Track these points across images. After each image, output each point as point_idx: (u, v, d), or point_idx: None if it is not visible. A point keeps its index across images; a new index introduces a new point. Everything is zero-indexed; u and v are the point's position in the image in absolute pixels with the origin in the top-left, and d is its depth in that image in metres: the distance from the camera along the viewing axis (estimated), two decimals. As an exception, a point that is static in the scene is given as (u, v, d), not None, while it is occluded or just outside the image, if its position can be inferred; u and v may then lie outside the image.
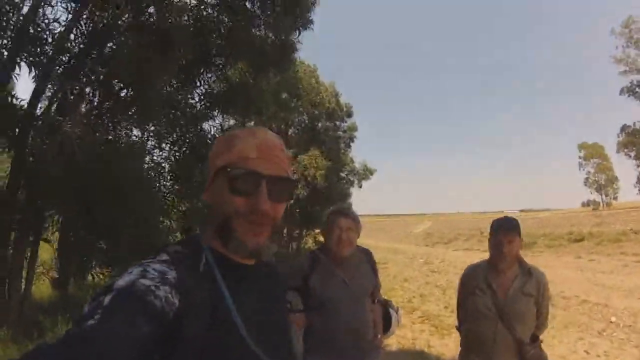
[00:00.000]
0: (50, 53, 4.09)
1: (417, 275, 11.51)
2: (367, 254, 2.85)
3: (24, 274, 4.24)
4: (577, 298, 7.99)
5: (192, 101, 6.17)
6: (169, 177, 6.04)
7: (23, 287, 4.27)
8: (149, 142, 5.94)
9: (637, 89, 29.69)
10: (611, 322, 6.45)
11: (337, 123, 16.38)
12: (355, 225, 2.59)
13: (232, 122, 10.77)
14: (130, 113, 4.96)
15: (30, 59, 3.87)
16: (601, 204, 51.10)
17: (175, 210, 5.94)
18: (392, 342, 6.15)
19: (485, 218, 31.02)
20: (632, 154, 33.64)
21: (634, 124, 32.30)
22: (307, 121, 14.49)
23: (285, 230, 15.23)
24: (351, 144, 17.66)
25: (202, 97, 6.15)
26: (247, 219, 0.91)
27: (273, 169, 0.94)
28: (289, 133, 14.46)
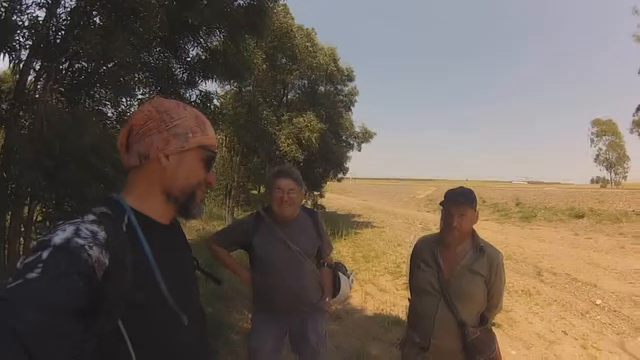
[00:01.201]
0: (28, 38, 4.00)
1: (412, 240, 11.36)
2: (312, 215, 2.77)
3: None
4: (567, 276, 7.85)
5: (176, 70, 5.99)
6: None
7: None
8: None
9: None
10: (596, 304, 6.30)
11: (338, 87, 16.09)
12: (296, 185, 2.55)
13: (216, 88, 10.63)
14: (99, 86, 4.84)
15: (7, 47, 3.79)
16: (610, 182, 50.70)
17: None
18: (371, 306, 6.15)
19: (490, 187, 30.86)
20: None
21: None
22: (307, 85, 14.18)
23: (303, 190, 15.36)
24: (352, 108, 17.38)
25: (182, 66, 5.96)
26: (201, 189, 1.16)
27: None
28: (289, 97, 14.26)
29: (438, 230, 2.37)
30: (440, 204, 2.29)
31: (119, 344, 0.89)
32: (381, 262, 9.35)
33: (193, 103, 6.03)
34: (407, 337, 2.46)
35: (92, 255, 0.82)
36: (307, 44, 12.36)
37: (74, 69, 4.66)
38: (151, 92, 5.80)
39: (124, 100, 5.47)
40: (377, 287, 7.30)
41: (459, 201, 2.19)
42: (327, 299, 2.73)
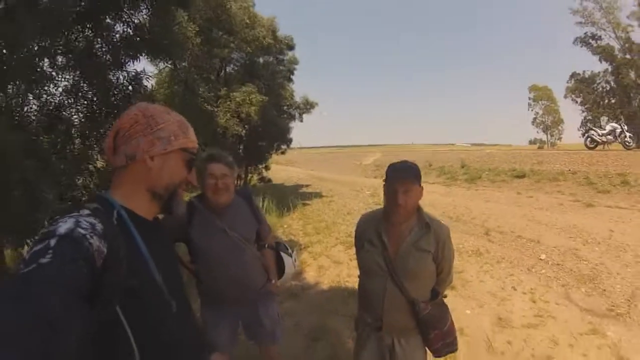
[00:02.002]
0: None
1: (361, 208, 11.38)
2: (247, 198, 2.79)
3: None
4: (512, 233, 8.05)
5: (99, 52, 5.54)
6: (77, 135, 5.46)
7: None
8: (59, 100, 5.32)
9: (590, 40, 32.58)
10: (540, 259, 6.51)
11: (278, 57, 15.83)
12: (230, 170, 2.49)
13: (149, 67, 10.10)
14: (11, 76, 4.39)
15: None
16: (547, 144, 53.21)
17: (89, 169, 5.46)
18: (326, 279, 6.13)
19: (435, 150, 31.51)
20: (579, 99, 35.44)
21: (583, 72, 35.24)
22: (245, 57, 13.79)
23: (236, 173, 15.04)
24: (292, 77, 17.19)
25: (107, 46, 5.51)
26: (182, 188, 1.26)
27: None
28: (227, 70, 13.86)
29: (382, 206, 2.28)
30: (383, 179, 2.17)
31: (118, 330, 0.97)
32: (332, 233, 9.31)
33: (122, 87, 5.67)
34: (359, 318, 2.38)
35: (93, 244, 0.89)
36: (244, 16, 11.91)
37: None
38: (75, 77, 5.39)
39: (46, 89, 5.06)
40: (331, 259, 7.27)
41: (403, 177, 2.08)
42: (274, 281, 2.66)
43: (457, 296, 5.23)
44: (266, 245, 2.73)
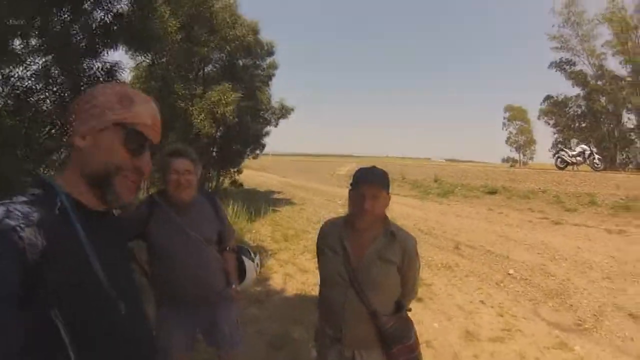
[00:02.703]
0: None
1: (332, 218, 11.35)
2: (211, 199, 2.67)
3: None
4: (482, 248, 8.11)
5: (75, 37, 5.35)
6: (44, 123, 5.23)
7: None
8: (28, 84, 5.11)
9: (565, 66, 33.82)
10: (509, 274, 6.55)
11: (257, 62, 15.59)
12: (193, 166, 2.40)
13: (128, 61, 9.92)
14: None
15: None
16: (519, 162, 54.21)
17: (54, 160, 5.23)
18: (292, 287, 6.04)
19: (410, 164, 31.73)
20: (552, 121, 36.61)
21: (557, 95, 36.25)
22: (225, 58, 13.56)
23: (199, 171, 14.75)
24: (269, 82, 17.06)
25: (83, 32, 5.33)
26: (127, 176, 1.02)
27: (156, 139, 1.09)
28: (206, 70, 13.60)
29: (346, 213, 2.17)
30: (350, 184, 2.07)
31: (53, 333, 0.83)
32: (301, 241, 9.26)
33: (94, 77, 5.46)
34: (319, 328, 2.26)
35: (24, 237, 0.79)
36: (226, 15, 11.74)
37: None
38: (47, 62, 5.17)
39: (15, 73, 4.88)
40: (297, 267, 7.19)
41: (371, 182, 1.99)
42: (234, 286, 2.55)
43: (425, 309, 5.20)
44: (228, 248, 2.63)
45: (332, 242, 2.13)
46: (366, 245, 2.04)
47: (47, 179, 0.99)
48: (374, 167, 2.08)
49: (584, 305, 5.25)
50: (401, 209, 13.12)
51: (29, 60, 4.97)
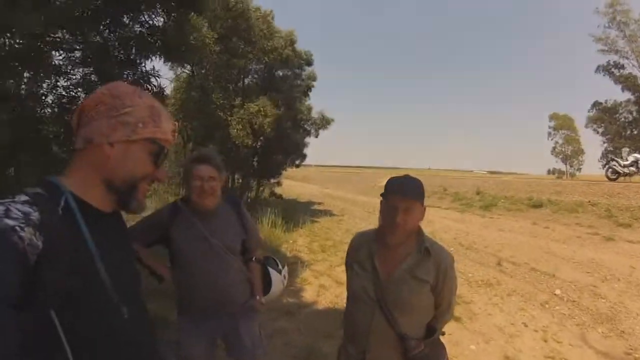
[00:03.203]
0: None
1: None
2: (235, 206, 2.58)
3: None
4: (526, 265, 7.75)
5: (114, 50, 5.57)
6: None
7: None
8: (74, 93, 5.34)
9: (612, 69, 31.73)
10: (555, 294, 6.17)
11: (297, 71, 15.64)
12: (217, 173, 2.34)
13: (168, 72, 10.19)
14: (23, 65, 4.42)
15: None
16: (565, 174, 52.37)
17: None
18: (325, 300, 5.91)
19: (451, 176, 31.21)
20: (600, 130, 34.69)
21: (605, 101, 34.50)
22: (264, 69, 13.72)
23: (239, 180, 14.78)
24: (309, 93, 16.96)
25: (121, 44, 5.53)
26: (146, 184, 1.10)
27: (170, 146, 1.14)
28: (246, 82, 13.75)
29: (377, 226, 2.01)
30: (381, 195, 1.89)
31: (52, 335, 0.83)
32: (338, 253, 9.07)
33: (132, 84, 5.66)
34: (342, 347, 2.09)
35: (23, 237, 0.78)
36: (263, 26, 11.83)
37: None
38: (88, 73, 5.35)
39: (59, 83, 5.09)
40: (333, 279, 7.02)
41: (404, 193, 1.80)
42: (258, 297, 2.48)
43: (462, 329, 4.94)
44: (254, 259, 2.57)
45: (362, 256, 1.97)
46: (397, 262, 1.87)
47: (51, 179, 0.98)
48: (406, 177, 1.90)
49: (637, 332, 4.85)
50: (442, 222, 12.86)
51: (72, 71, 5.15)
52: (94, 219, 0.97)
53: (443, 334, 2.03)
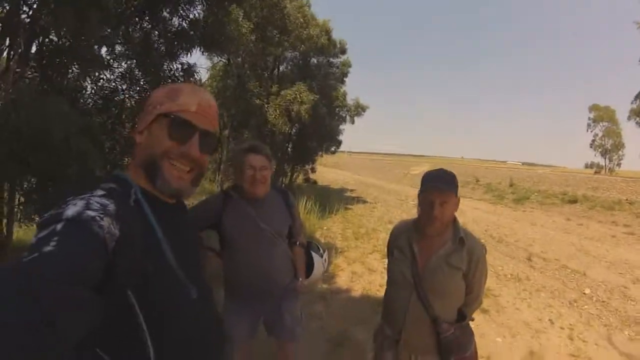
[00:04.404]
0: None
1: (403, 218, 11.28)
2: (283, 194, 2.72)
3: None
4: (556, 262, 7.69)
5: (156, 43, 5.78)
6: (127, 119, 5.78)
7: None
8: (114, 85, 5.66)
9: None
10: (584, 293, 6.12)
11: (331, 59, 15.76)
12: (268, 162, 2.45)
13: (204, 61, 10.41)
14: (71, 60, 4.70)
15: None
16: (604, 169, 50.65)
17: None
18: (358, 286, 6.02)
19: (484, 166, 30.71)
20: None
21: None
22: (299, 57, 13.85)
23: (274, 166, 15.10)
24: (344, 79, 17.08)
25: (162, 38, 5.73)
26: (176, 162, 1.09)
27: (206, 124, 1.13)
28: (281, 69, 13.90)
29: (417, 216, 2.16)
30: (420, 188, 2.02)
31: (130, 316, 0.92)
32: (371, 240, 9.19)
33: (173, 76, 5.86)
34: (379, 328, 2.25)
35: (103, 226, 0.84)
36: (298, 14, 11.92)
37: (46, 43, 4.48)
38: (131, 66, 5.64)
39: (103, 76, 5.34)
40: (366, 267, 7.12)
41: (441, 188, 1.93)
42: (300, 280, 2.61)
43: (489, 321, 4.99)
44: (297, 243, 2.69)
45: (402, 243, 2.12)
46: (434, 250, 2.01)
47: (120, 175, 1.09)
48: (441, 170, 2.03)
49: (665, 338, 4.80)
50: (473, 213, 12.82)
51: (115, 64, 5.40)
52: (160, 209, 1.06)
53: (472, 319, 2.16)
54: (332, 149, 19.03)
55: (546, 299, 5.94)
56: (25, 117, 3.42)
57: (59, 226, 0.79)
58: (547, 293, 6.18)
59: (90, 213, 0.85)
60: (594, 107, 54.04)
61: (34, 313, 0.64)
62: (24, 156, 3.55)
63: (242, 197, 2.44)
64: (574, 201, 14.21)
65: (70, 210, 0.83)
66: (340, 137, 18.61)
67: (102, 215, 0.86)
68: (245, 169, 2.37)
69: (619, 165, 51.96)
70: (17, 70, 4.10)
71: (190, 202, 1.60)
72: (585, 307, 5.68)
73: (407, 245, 2.09)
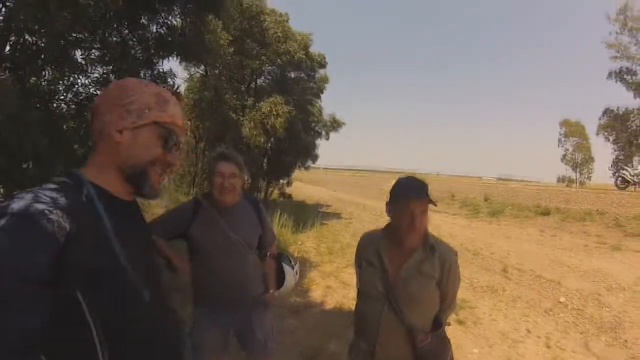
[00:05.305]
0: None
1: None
2: (254, 203, 2.69)
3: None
4: (531, 272, 7.71)
5: (133, 49, 5.74)
6: None
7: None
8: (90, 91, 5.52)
9: (625, 75, 30.54)
10: (560, 302, 6.17)
11: (310, 73, 15.77)
12: (238, 170, 2.42)
13: (182, 72, 10.31)
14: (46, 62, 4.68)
15: None
16: (575, 182, 51.74)
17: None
18: (332, 300, 5.99)
19: (459, 182, 31.02)
20: (612, 137, 33.83)
21: (617, 108, 33.17)
22: (277, 71, 13.85)
23: (248, 180, 14.91)
24: (320, 95, 17.17)
25: (140, 44, 5.69)
26: (157, 169, 1.12)
27: (183, 137, 1.19)
28: (258, 82, 13.88)
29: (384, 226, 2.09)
30: (391, 196, 1.96)
31: (79, 319, 0.88)
32: (345, 255, 9.13)
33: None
34: (353, 343, 2.17)
35: (52, 220, 0.83)
36: (277, 28, 11.92)
37: (20, 43, 4.36)
38: (107, 71, 5.50)
39: (78, 80, 5.24)
40: (340, 281, 7.09)
41: (418, 196, 1.87)
42: (271, 291, 2.59)
43: (466, 332, 4.99)
44: (268, 254, 2.67)
45: (370, 255, 2.05)
46: (405, 259, 1.96)
47: (74, 171, 1.05)
48: (412, 178, 1.98)
49: (640, 342, 4.85)
50: (449, 228, 12.85)
51: (90, 69, 5.30)
52: (112, 206, 1.03)
53: (448, 324, 2.14)
54: (307, 164, 19.03)
55: (522, 308, 5.98)
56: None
57: (3, 220, 0.78)
58: (523, 303, 6.22)
59: (39, 206, 0.83)
60: (565, 123, 54.98)
61: None
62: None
63: (212, 205, 2.42)
64: (546, 213, 14.39)
65: (17, 204, 0.82)
66: (316, 152, 18.62)
67: (51, 209, 0.84)
68: (214, 176, 2.35)
69: (589, 178, 53.04)
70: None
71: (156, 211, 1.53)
72: (561, 315, 5.72)
73: (375, 257, 2.03)
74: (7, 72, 4.32)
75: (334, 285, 6.84)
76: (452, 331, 2.18)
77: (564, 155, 54.07)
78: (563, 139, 54.46)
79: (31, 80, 4.58)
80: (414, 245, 1.95)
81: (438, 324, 2.00)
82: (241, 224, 2.47)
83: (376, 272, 1.99)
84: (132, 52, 5.69)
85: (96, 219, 0.96)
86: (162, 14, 5.73)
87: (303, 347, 4.32)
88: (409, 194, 1.89)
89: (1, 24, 4.08)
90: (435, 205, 1.93)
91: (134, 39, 5.73)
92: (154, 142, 1.10)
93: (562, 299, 6.29)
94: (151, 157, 1.10)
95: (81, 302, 0.88)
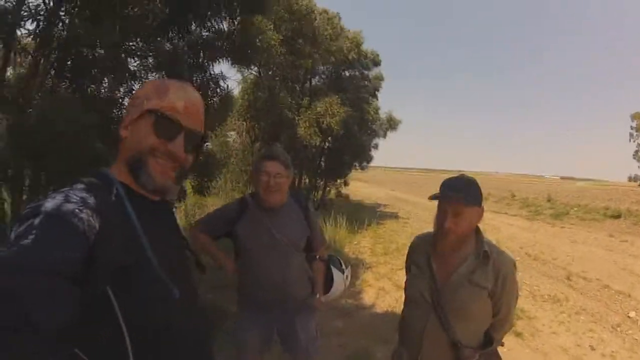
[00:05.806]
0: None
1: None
2: (301, 202, 2.62)
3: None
4: (598, 282, 7.33)
5: (184, 55, 5.92)
6: None
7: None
8: None
9: None
10: (629, 317, 5.76)
11: (364, 72, 15.48)
12: (285, 170, 2.38)
13: (234, 74, 10.44)
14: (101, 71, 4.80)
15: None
16: (650, 181, 48.74)
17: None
18: (384, 303, 5.89)
19: (520, 180, 30.01)
20: None
21: None
22: (331, 70, 13.73)
23: (306, 180, 15.00)
24: (376, 93, 16.83)
25: (190, 49, 5.85)
26: (160, 159, 1.08)
27: (192, 124, 1.13)
28: (312, 82, 13.82)
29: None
30: (433, 197, 1.82)
31: (107, 312, 0.90)
32: (401, 256, 8.80)
33: (202, 87, 5.93)
34: (397, 350, 2.04)
35: (83, 219, 0.85)
36: (328, 27, 11.84)
37: (76, 55, 4.56)
38: (160, 77, 5.69)
39: (134, 87, 5.46)
40: (393, 283, 6.94)
41: (453, 197, 1.72)
42: (318, 296, 2.54)
43: (523, 346, 4.72)
44: (317, 257, 2.62)
45: (419, 258, 1.94)
46: (455, 266, 1.81)
47: (103, 171, 1.07)
48: (459, 177, 1.84)
49: None
50: (508, 229, 12.42)
51: (145, 76, 5.49)
52: (140, 204, 1.04)
53: (502, 344, 1.95)
54: (364, 164, 18.88)
55: (586, 322, 5.63)
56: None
57: (37, 220, 0.80)
58: (587, 316, 5.86)
59: (70, 206, 0.85)
60: (636, 115, 51.87)
61: (13, 312, 0.66)
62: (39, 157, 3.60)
63: (258, 204, 2.41)
64: (617, 216, 13.65)
65: (49, 204, 0.84)
66: (373, 152, 18.38)
67: (81, 208, 0.86)
68: (260, 175, 2.32)
69: (667, 176, 49.83)
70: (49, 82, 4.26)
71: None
72: (630, 332, 5.33)
73: (425, 261, 1.90)
74: (67, 82, 4.51)
75: (387, 287, 6.71)
76: (507, 342, 2.01)
77: (636, 152, 50.93)
78: (635, 134, 51.32)
79: (90, 89, 4.76)
80: (445, 249, 1.81)
81: (489, 340, 1.85)
82: (286, 224, 2.44)
83: (424, 278, 1.87)
84: (184, 57, 5.85)
85: (125, 218, 0.98)
86: (210, 19, 5.85)
87: (349, 350, 4.27)
88: (444, 194, 1.77)
89: (62, 40, 4.24)
90: (479, 208, 1.78)
91: (184, 45, 5.88)
92: (146, 130, 1.08)
93: (631, 314, 5.87)
94: (147, 145, 1.07)
95: (111, 299, 0.90)
